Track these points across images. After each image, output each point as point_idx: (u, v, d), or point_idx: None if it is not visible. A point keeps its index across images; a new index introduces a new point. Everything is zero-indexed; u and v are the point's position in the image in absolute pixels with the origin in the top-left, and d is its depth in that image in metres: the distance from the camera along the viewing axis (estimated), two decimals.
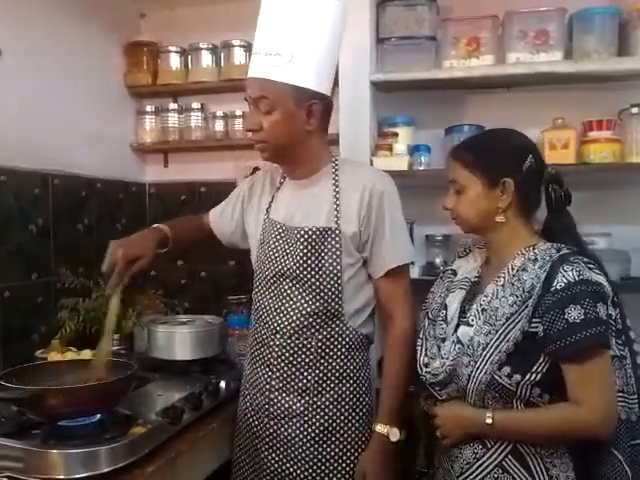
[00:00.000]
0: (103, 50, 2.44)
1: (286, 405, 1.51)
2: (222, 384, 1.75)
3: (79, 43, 2.28)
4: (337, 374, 1.50)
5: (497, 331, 1.23)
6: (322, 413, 1.49)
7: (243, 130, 1.47)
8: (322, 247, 1.47)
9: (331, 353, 1.49)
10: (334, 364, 1.49)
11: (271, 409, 1.52)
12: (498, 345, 1.22)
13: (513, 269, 1.27)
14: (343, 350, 1.50)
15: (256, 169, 2.41)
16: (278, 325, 1.51)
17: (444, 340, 1.33)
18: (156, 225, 1.65)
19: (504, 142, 1.36)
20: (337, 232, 1.47)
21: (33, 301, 2.03)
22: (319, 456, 1.49)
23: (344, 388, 1.50)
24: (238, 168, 2.53)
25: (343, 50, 2.07)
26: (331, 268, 1.47)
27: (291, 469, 1.50)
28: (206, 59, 2.50)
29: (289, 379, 1.50)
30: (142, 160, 2.71)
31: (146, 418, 1.43)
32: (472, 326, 1.28)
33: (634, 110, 1.98)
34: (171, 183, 2.67)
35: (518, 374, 1.20)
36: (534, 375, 1.20)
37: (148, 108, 2.59)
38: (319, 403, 1.49)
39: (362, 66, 2.06)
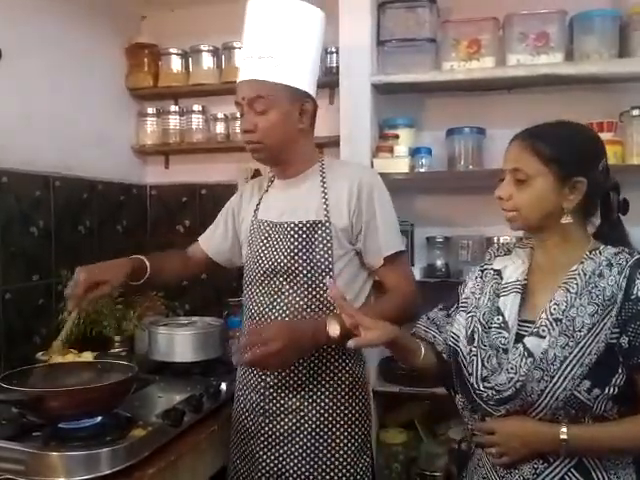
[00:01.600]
0: (104, 52, 2.44)
1: (282, 402, 1.51)
2: (223, 386, 1.74)
3: (80, 45, 2.28)
4: (332, 367, 1.51)
5: (578, 343, 1.13)
6: (318, 407, 1.50)
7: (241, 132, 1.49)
8: (313, 240, 1.49)
9: (325, 346, 1.49)
10: (328, 357, 1.51)
11: (266, 407, 1.53)
12: (580, 359, 1.12)
13: (586, 274, 1.16)
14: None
15: (257, 171, 2.41)
16: (272, 321, 1.51)
17: (506, 351, 1.20)
18: (137, 255, 1.61)
19: (582, 137, 1.24)
20: (327, 224, 1.50)
21: (34, 303, 2.03)
22: (316, 451, 1.49)
23: (339, 382, 1.51)
24: (239, 170, 2.53)
25: (344, 52, 2.09)
26: (322, 260, 1.49)
27: (287, 467, 1.50)
28: (207, 61, 2.51)
29: (284, 373, 1.50)
30: (143, 162, 2.70)
31: (147, 420, 1.43)
32: (544, 337, 1.15)
33: (635, 112, 1.98)
34: (172, 185, 2.67)
35: (597, 388, 1.11)
36: (612, 388, 1.11)
37: (149, 110, 2.59)
38: (315, 397, 1.50)
39: (363, 68, 2.07)
